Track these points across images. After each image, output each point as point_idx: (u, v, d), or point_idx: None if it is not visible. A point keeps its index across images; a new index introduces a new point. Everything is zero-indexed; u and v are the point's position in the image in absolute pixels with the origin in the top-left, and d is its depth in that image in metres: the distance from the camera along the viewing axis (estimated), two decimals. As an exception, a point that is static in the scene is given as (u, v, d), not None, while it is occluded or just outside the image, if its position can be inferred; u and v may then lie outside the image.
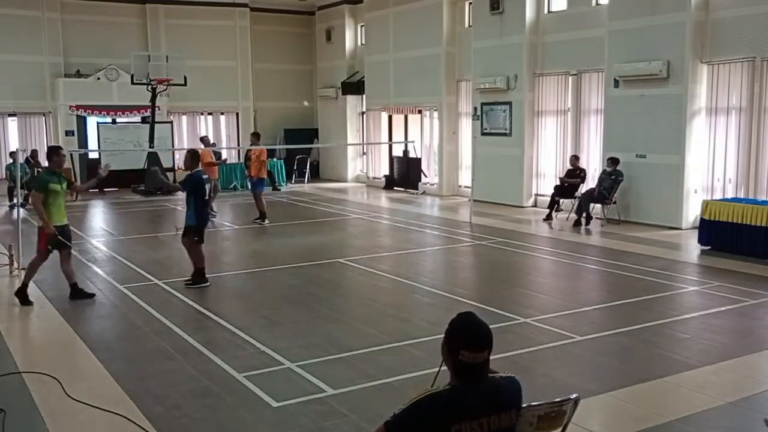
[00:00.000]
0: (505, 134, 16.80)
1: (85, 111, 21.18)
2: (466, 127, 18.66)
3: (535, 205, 16.45)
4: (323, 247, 11.72)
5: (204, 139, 17.44)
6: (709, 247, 11.15)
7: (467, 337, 2.72)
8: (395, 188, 20.99)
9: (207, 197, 12.51)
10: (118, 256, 11.20)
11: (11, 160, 16.53)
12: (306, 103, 10.44)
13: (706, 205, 11.38)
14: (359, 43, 23.20)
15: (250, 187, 15.27)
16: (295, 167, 23.70)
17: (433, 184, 19.85)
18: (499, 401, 2.76)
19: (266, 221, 14.40)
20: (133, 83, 19.81)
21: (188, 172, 9.27)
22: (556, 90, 16.05)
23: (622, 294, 8.61)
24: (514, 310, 7.71)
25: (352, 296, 9.04)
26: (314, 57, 25.30)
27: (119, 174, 20.66)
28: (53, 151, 8.50)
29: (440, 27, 18.82)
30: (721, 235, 10.95)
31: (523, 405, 2.92)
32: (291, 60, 25.20)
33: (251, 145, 15.56)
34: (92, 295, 8.59)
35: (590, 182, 14.36)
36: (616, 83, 14.00)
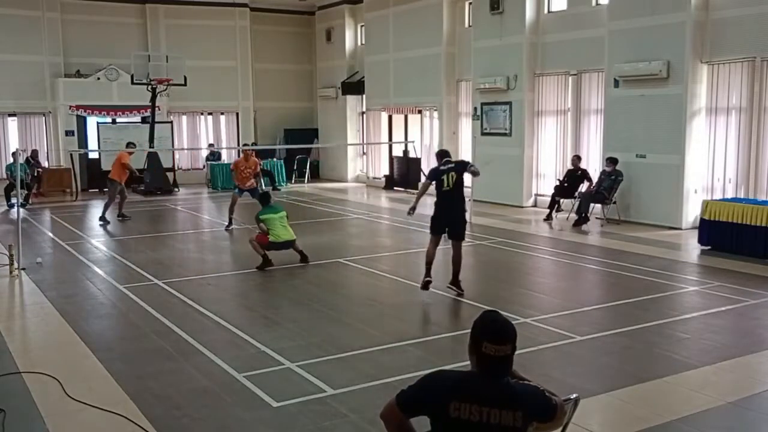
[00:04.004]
0: (505, 134, 16.80)
1: (85, 111, 21.18)
2: (466, 127, 18.65)
3: (535, 205, 16.45)
4: (323, 247, 11.71)
5: (129, 144, 16.27)
6: (709, 247, 11.14)
7: (491, 331, 2.86)
8: (395, 188, 20.98)
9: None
10: (118, 256, 11.20)
11: (12, 160, 16.52)
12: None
13: (706, 205, 11.38)
14: (359, 43, 23.19)
15: (252, 194, 13.87)
16: (295, 167, 23.70)
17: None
18: (504, 398, 2.79)
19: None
20: (133, 83, 19.81)
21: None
22: (556, 90, 16.05)
23: (622, 294, 8.61)
24: (514, 310, 7.71)
25: (352, 296, 9.04)
26: (314, 57, 25.30)
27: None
28: None
29: (440, 27, 18.81)
30: (721, 235, 10.95)
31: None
32: (291, 60, 25.20)
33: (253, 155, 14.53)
34: None
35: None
36: (616, 83, 13.99)
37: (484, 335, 2.85)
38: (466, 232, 8.88)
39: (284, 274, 9.90)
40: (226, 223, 13.88)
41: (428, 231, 8.67)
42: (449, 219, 8.48)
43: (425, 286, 8.53)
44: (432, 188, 8.55)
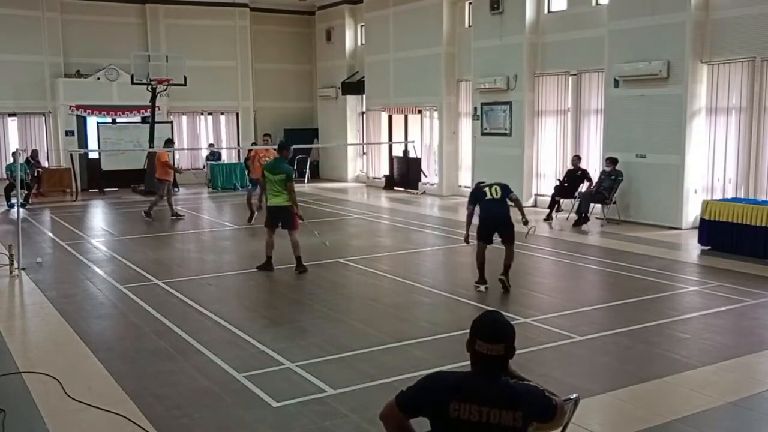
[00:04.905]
0: (505, 134, 16.80)
1: (85, 111, 21.17)
2: (466, 127, 18.65)
3: (535, 205, 16.43)
4: (323, 246, 11.71)
5: (168, 141, 16.93)
6: (709, 247, 11.14)
7: (483, 329, 2.89)
8: (395, 188, 20.98)
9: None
10: (118, 256, 11.20)
11: (12, 160, 16.54)
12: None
13: (706, 205, 11.38)
14: (359, 43, 23.19)
15: (251, 187, 14.95)
16: (295, 167, 23.62)
17: (433, 184, 19.84)
18: (504, 398, 2.80)
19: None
20: (133, 83, 19.80)
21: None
22: (556, 90, 16.05)
23: (622, 294, 8.62)
24: (514, 310, 7.71)
25: (352, 296, 9.04)
26: (314, 57, 25.30)
27: (119, 174, 20.77)
28: None
29: (440, 27, 18.81)
30: (721, 235, 10.94)
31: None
32: (291, 60, 25.20)
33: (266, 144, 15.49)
34: None
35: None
36: (616, 83, 13.99)
37: (478, 333, 2.88)
38: (472, 233, 8.87)
39: (284, 274, 9.89)
40: (248, 217, 14.30)
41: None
42: (497, 224, 8.70)
43: (481, 286, 8.78)
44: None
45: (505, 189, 8.82)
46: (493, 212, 8.74)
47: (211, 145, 23.33)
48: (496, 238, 8.88)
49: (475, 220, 8.86)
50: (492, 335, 2.86)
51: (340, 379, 5.80)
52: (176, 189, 20.76)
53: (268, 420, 5.10)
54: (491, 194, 8.71)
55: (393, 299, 8.68)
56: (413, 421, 2.98)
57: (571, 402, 3.27)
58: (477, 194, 8.84)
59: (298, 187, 21.74)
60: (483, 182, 9.09)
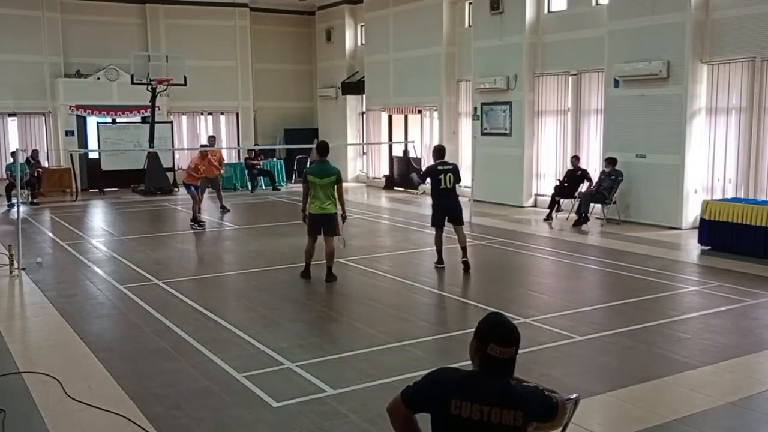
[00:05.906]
0: (505, 134, 16.80)
1: (85, 111, 21.17)
2: (466, 127, 18.66)
3: (535, 205, 16.44)
4: (323, 247, 11.70)
5: (211, 139, 17.80)
6: (709, 247, 11.14)
7: (497, 332, 2.88)
8: (395, 188, 20.98)
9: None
10: (118, 256, 11.20)
11: (11, 160, 16.54)
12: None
13: (706, 205, 11.38)
14: (359, 43, 23.19)
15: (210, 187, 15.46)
16: (295, 167, 23.67)
17: (433, 184, 19.81)
18: (505, 398, 2.80)
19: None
20: (133, 83, 19.79)
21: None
22: (556, 90, 16.05)
23: (622, 294, 8.62)
24: (514, 310, 7.71)
25: (352, 296, 9.04)
26: (314, 57, 25.30)
27: (119, 174, 20.77)
28: None
29: (440, 27, 18.82)
30: (721, 235, 10.95)
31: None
32: (291, 60, 25.20)
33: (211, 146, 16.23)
34: None
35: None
36: (616, 83, 13.99)
37: (491, 337, 2.86)
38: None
39: (284, 274, 9.89)
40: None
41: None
42: (450, 210, 9.56)
43: (438, 267, 9.79)
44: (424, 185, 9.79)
45: (456, 172, 9.69)
46: (445, 201, 9.62)
47: (212, 137, 23.17)
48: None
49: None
50: (507, 339, 2.86)
51: (340, 379, 5.80)
52: (176, 189, 20.81)
53: (268, 420, 5.10)
54: (445, 183, 9.47)
55: (393, 299, 8.68)
56: (421, 420, 2.98)
57: (571, 402, 3.27)
58: (434, 174, 9.54)
59: (297, 187, 21.82)
60: (445, 161, 9.71)
